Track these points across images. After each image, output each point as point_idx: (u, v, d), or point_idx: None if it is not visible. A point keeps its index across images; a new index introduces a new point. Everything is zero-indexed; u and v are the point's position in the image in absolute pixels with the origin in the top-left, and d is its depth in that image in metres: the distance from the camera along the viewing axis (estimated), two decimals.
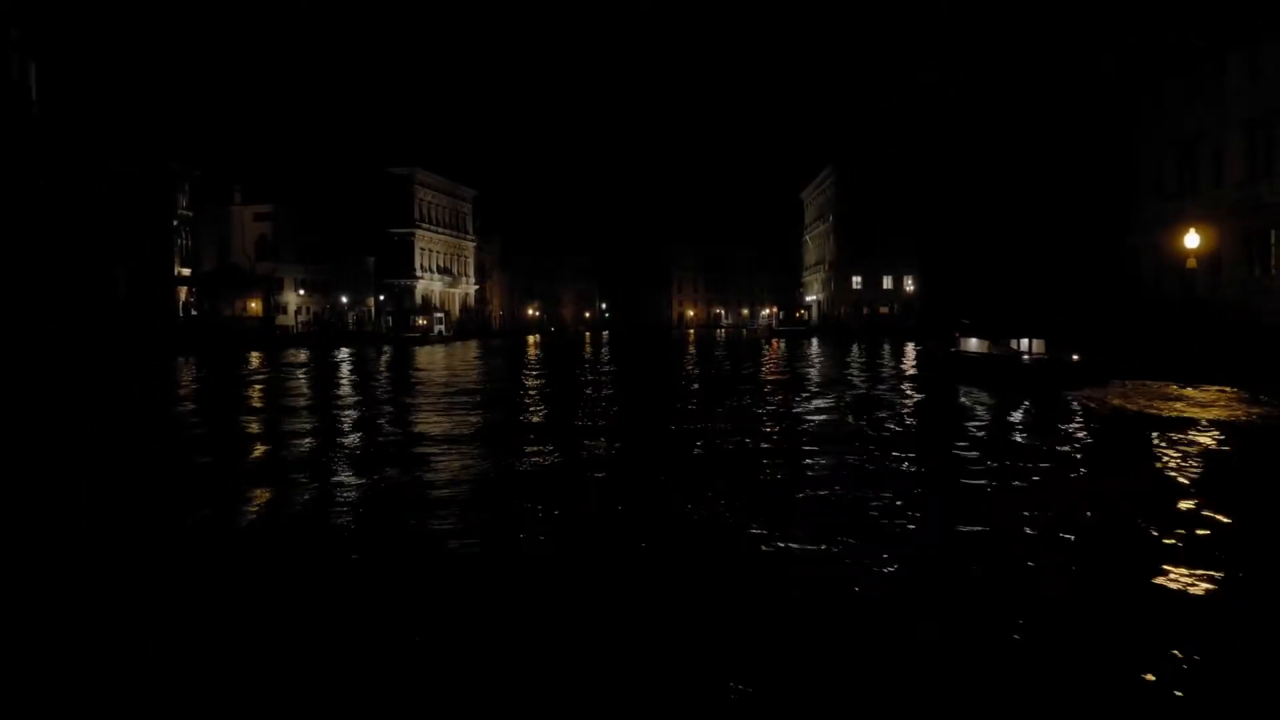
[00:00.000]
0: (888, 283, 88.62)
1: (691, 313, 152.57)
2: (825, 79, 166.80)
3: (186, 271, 66.52)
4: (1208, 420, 15.31)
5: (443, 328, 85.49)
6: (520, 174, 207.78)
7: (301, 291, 78.32)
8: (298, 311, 77.41)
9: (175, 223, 64.51)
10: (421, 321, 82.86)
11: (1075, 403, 18.30)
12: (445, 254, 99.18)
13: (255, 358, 45.98)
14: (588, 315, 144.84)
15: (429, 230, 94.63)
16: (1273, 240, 35.07)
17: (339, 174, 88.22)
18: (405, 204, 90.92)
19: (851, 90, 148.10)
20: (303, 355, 49.58)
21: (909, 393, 22.65)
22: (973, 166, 60.00)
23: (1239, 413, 16.45)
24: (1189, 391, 20.22)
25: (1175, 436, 13.67)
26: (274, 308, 73.99)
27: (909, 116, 79.21)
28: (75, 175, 48.35)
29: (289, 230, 77.99)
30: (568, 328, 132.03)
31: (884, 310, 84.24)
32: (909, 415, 17.95)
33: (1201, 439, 13.48)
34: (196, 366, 37.51)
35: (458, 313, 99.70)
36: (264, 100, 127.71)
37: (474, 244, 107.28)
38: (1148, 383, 21.70)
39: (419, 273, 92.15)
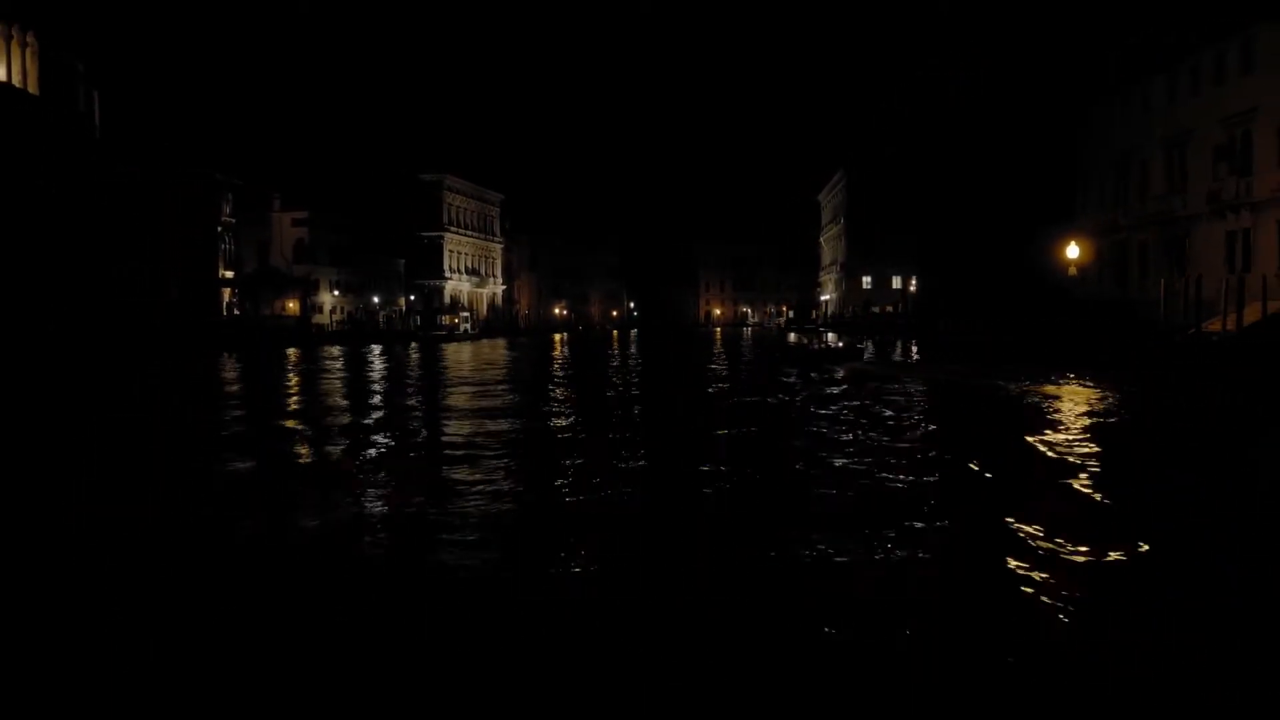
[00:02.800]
0: (896, 282, 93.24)
1: (719, 311, 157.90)
2: (841, 80, 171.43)
3: (230, 274, 73.13)
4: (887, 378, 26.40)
5: (468, 326, 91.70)
6: (548, 177, 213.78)
7: (336, 292, 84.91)
8: (332, 311, 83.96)
9: (219, 229, 71.16)
10: (448, 320, 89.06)
11: (835, 367, 30.69)
12: (473, 256, 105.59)
13: (293, 353, 52.07)
14: (615, 314, 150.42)
15: (457, 233, 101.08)
16: (1187, 249, 39.99)
17: (372, 181, 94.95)
18: (434, 209, 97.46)
19: (861, 93, 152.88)
20: (336, 351, 55.57)
21: (759, 362, 36.80)
22: (957, 174, 64.99)
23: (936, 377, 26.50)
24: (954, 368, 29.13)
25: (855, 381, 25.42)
26: (310, 307, 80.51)
27: (909, 120, 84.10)
28: (132, 190, 54.89)
29: (324, 234, 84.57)
30: (595, 326, 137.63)
31: (890, 309, 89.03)
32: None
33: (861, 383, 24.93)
34: (241, 362, 43.53)
35: (485, 312, 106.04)
36: (302, 112, 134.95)
37: (501, 245, 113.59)
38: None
39: (447, 274, 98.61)
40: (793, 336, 38.13)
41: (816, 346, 36.91)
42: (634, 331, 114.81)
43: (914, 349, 43.65)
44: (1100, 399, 19.54)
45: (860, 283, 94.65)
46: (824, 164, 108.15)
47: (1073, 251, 33.62)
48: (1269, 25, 34.82)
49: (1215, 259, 37.61)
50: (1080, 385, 22.50)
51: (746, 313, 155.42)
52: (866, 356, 35.87)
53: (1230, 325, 28.82)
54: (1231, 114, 36.65)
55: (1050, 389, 21.45)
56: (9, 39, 42.56)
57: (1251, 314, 28.75)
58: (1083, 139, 50.01)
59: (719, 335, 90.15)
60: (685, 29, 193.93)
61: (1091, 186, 48.61)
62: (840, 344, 38.37)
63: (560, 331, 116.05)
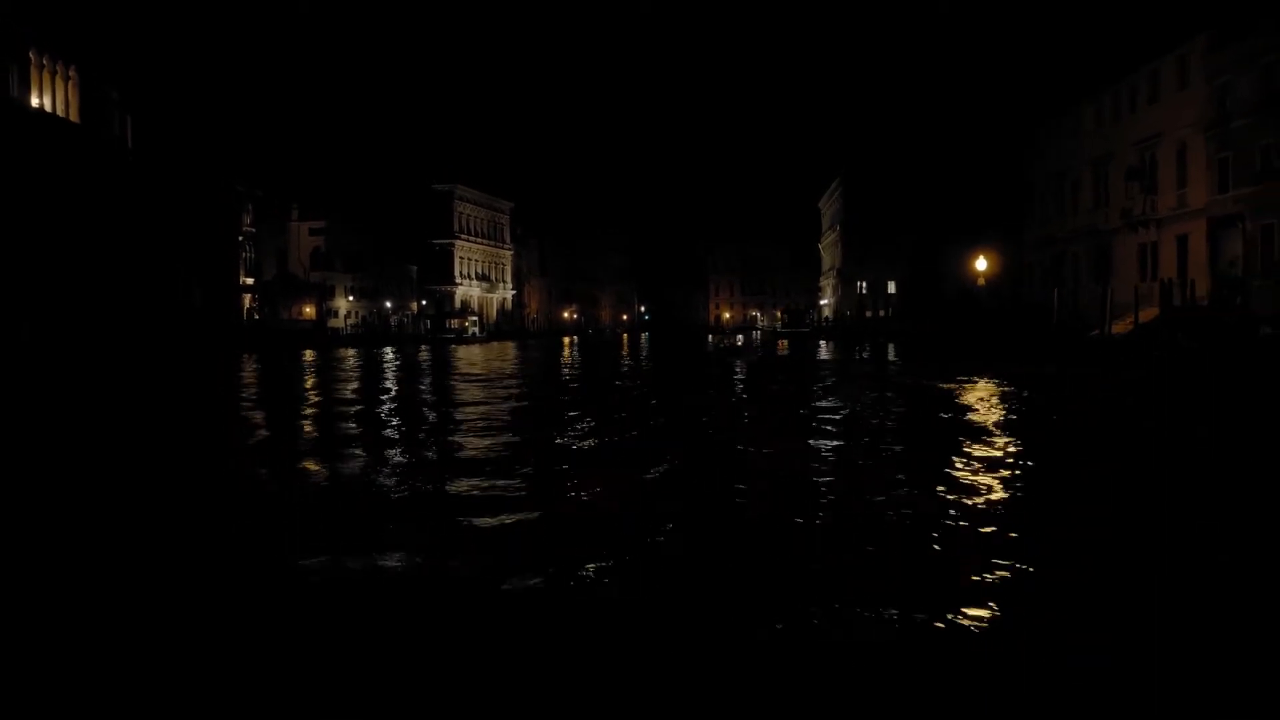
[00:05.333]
0: (891, 287, 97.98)
1: (728, 315, 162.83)
2: (844, 84, 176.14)
3: (250, 281, 78.86)
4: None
5: (476, 329, 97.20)
6: (559, 182, 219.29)
7: (351, 297, 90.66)
8: (347, 315, 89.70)
9: (240, 238, 76.90)
10: (455, 323, 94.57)
11: (739, 360, 38.48)
12: (483, 262, 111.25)
13: (309, 355, 57.51)
14: (625, 317, 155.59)
15: (468, 241, 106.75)
16: (1111, 259, 44.75)
17: (386, 191, 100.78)
18: (446, 217, 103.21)
19: (858, 102, 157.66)
20: (350, 352, 61.00)
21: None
22: (933, 188, 69.87)
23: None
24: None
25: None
26: (326, 312, 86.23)
27: (898, 134, 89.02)
28: (162, 205, 60.58)
29: (340, 242, 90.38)
30: (605, 329, 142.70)
31: (883, 313, 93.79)
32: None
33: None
34: (261, 362, 48.84)
35: (495, 315, 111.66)
36: (318, 125, 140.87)
37: (511, 252, 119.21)
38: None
39: (458, 279, 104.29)
40: (710, 337, 48.49)
41: (724, 345, 45.55)
42: (645, 335, 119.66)
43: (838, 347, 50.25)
44: (944, 384, 24.48)
45: (856, 288, 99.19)
46: (826, 171, 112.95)
47: (981, 264, 38.52)
48: (1170, 59, 39.63)
49: (1131, 269, 42.43)
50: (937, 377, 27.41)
51: (756, 315, 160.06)
52: (759, 354, 46.00)
53: (1109, 330, 33.78)
54: (1141, 138, 41.46)
55: (913, 378, 26.42)
56: (54, 74, 48.29)
57: (1125, 324, 33.65)
58: (1030, 158, 54.83)
59: (718, 338, 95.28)
60: (689, 29, 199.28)
61: (1036, 201, 53.44)
62: (740, 344, 50.48)
63: (569, 334, 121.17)
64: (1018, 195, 55.67)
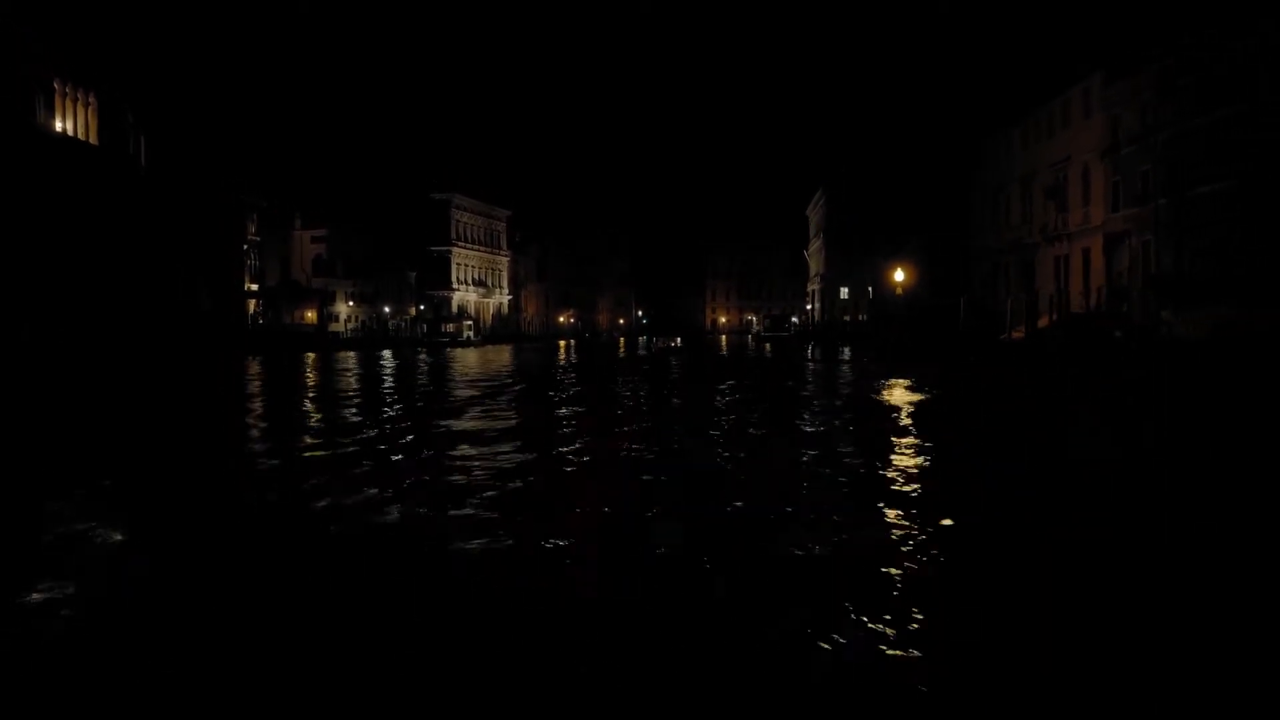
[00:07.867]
0: (872, 293, 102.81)
1: (725, 319, 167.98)
2: (833, 90, 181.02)
3: (254, 287, 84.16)
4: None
5: (471, 333, 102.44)
6: (557, 188, 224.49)
7: (351, 302, 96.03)
8: (348, 319, 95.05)
9: (245, 246, 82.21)
10: (451, 327, 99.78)
11: (673, 357, 44.19)
12: (480, 268, 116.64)
13: (311, 357, 62.72)
14: (622, 322, 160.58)
15: (465, 247, 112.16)
16: (1035, 269, 49.67)
17: (386, 200, 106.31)
18: (443, 225, 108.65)
19: (841, 110, 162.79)
20: (349, 354, 66.14)
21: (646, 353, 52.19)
22: (902, 197, 74.81)
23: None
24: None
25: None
26: (327, 316, 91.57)
27: (879, 146, 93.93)
28: (172, 216, 65.92)
29: (341, 249, 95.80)
30: (602, 333, 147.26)
31: (862, 318, 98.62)
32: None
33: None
34: (265, 364, 53.91)
35: (491, 320, 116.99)
36: (321, 136, 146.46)
37: (508, 258, 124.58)
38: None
39: (455, 285, 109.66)
40: (643, 339, 57.23)
41: (662, 346, 52.09)
42: (642, 338, 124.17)
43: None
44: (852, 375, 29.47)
45: (839, 294, 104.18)
46: (818, 176, 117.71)
47: (899, 275, 43.48)
48: (1078, 90, 44.57)
49: (1049, 278, 47.36)
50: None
51: (752, 320, 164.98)
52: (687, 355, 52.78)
53: (1010, 335, 38.77)
54: (1055, 160, 46.42)
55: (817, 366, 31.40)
56: (75, 100, 53.67)
57: (1021, 331, 38.62)
58: (974, 173, 59.80)
59: (722, 342, 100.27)
60: (688, 32, 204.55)
61: (976, 214, 58.43)
62: (672, 345, 59.65)
63: (565, 338, 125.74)
64: (966, 207, 60.60)
